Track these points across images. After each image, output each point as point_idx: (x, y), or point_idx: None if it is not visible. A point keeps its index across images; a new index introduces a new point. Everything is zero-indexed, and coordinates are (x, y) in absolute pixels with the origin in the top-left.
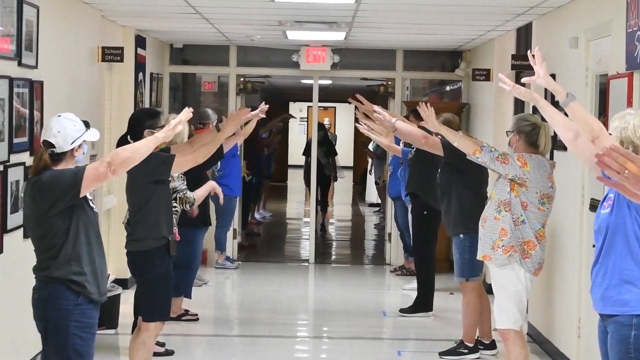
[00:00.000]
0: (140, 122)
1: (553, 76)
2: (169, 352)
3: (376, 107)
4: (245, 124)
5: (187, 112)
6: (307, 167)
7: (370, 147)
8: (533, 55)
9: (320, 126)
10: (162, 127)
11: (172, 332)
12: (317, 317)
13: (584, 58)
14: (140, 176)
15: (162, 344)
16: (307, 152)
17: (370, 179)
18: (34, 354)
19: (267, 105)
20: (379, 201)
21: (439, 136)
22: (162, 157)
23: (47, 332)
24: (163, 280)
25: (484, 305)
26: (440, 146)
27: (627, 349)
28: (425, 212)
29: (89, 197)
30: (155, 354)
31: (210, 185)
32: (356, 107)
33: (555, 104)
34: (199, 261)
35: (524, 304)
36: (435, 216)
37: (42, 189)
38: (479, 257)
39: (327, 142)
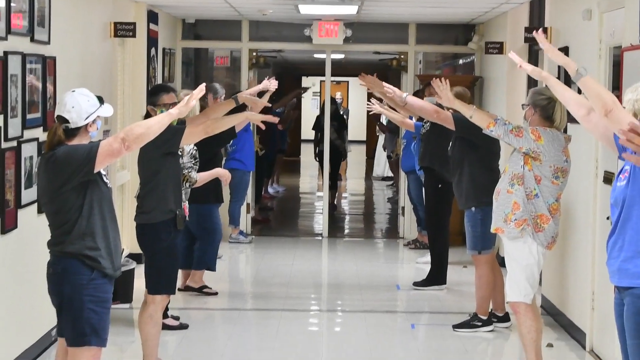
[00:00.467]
0: (147, 98)
1: (566, 49)
2: (183, 326)
3: (385, 85)
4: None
5: (200, 89)
6: (316, 142)
7: (383, 120)
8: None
9: (332, 101)
10: (176, 103)
11: (187, 305)
12: (330, 291)
13: (597, 30)
14: (151, 148)
15: (176, 318)
16: (317, 126)
17: (379, 153)
18: (50, 327)
19: (276, 81)
20: (387, 174)
21: (450, 110)
22: (172, 129)
23: (62, 306)
24: (169, 253)
25: (497, 278)
26: (451, 120)
27: None
28: (439, 186)
29: (103, 172)
30: (170, 327)
31: (216, 172)
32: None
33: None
34: (220, 234)
35: (535, 278)
36: (449, 189)
37: (56, 165)
38: (492, 229)
39: (337, 117)
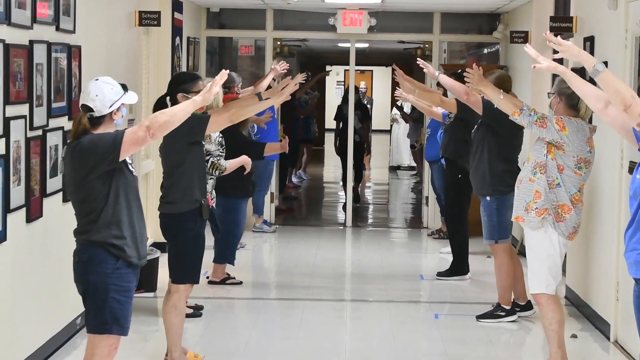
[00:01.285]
0: (175, 85)
1: (591, 38)
2: (197, 314)
3: (420, 60)
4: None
5: (223, 74)
6: (337, 133)
7: (406, 109)
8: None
9: (355, 89)
10: (199, 91)
11: (212, 295)
12: (354, 281)
13: (623, 19)
14: (175, 137)
15: (198, 307)
16: (338, 116)
17: (396, 142)
18: (75, 316)
19: (285, 64)
20: (405, 164)
21: (481, 94)
22: (197, 117)
23: (86, 294)
24: (194, 243)
25: (516, 267)
26: (480, 104)
27: None
28: (459, 176)
29: (129, 160)
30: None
31: (244, 159)
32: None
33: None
34: (242, 229)
35: (557, 268)
36: (469, 181)
37: (81, 153)
38: (512, 218)
39: (360, 106)
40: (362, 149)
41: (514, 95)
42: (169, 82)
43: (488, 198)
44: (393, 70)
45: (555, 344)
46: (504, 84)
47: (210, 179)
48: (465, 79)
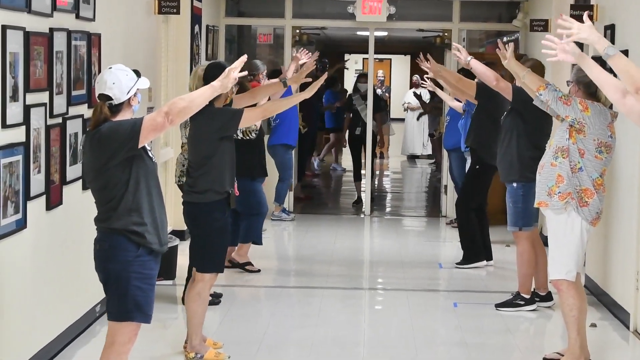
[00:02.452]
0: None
1: (612, 26)
2: (215, 302)
3: (454, 44)
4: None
5: (241, 60)
6: (348, 125)
7: (425, 98)
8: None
9: (362, 77)
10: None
11: (229, 283)
12: (372, 269)
13: None
14: (207, 131)
15: (217, 295)
16: (348, 107)
17: (411, 130)
18: (94, 303)
19: (306, 52)
20: (417, 153)
21: (513, 82)
22: (230, 112)
23: (108, 283)
24: (221, 232)
25: (539, 256)
26: (510, 90)
27: None
28: (477, 167)
29: (148, 147)
30: None
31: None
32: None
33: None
34: (266, 207)
35: (579, 255)
36: (487, 171)
37: (101, 141)
38: (535, 204)
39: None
40: (361, 144)
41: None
42: (207, 75)
43: (515, 184)
44: (425, 57)
45: (574, 330)
46: (537, 73)
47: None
48: (498, 51)
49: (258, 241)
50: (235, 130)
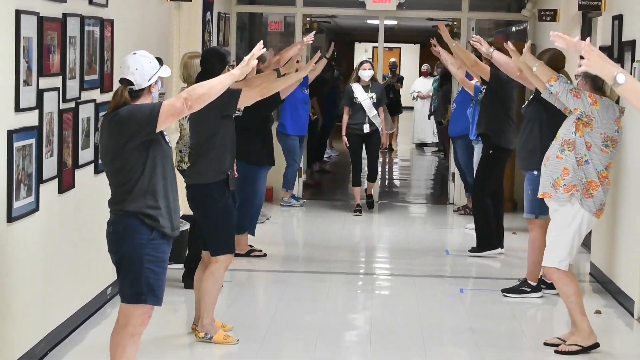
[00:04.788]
0: (214, 65)
1: (620, 17)
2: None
3: (475, 36)
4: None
5: (259, 47)
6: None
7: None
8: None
9: (366, 63)
10: (234, 65)
11: (238, 267)
12: (380, 255)
13: None
14: (208, 110)
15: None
16: (347, 100)
17: (419, 119)
18: (105, 285)
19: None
20: (428, 141)
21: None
22: (229, 92)
23: (121, 265)
24: (224, 213)
25: None
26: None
27: None
28: (490, 152)
29: (165, 132)
30: None
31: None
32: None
33: None
34: (261, 199)
35: (574, 246)
36: (501, 156)
37: (119, 123)
38: (539, 195)
39: (376, 87)
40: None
41: (566, 73)
42: (209, 57)
43: (535, 172)
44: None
45: (577, 313)
46: (557, 63)
47: None
48: (506, 45)
49: (251, 231)
50: (234, 109)
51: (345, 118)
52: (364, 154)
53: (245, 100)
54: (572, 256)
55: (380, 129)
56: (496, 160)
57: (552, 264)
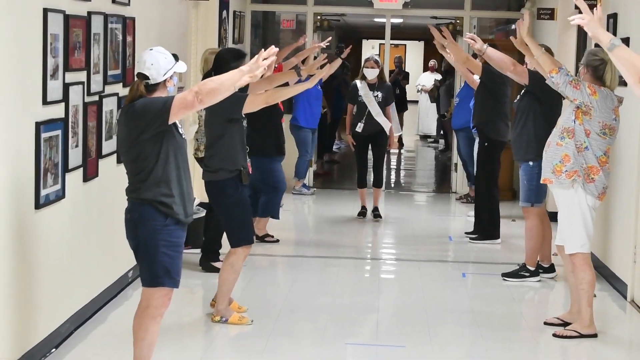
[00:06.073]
0: (227, 62)
1: (615, 15)
2: None
3: (469, 34)
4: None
5: (270, 50)
6: (351, 120)
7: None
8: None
9: (371, 61)
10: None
11: (252, 252)
12: (387, 241)
13: None
14: (215, 114)
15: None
16: (352, 98)
17: (423, 112)
18: (127, 269)
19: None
20: (432, 133)
21: (526, 66)
22: (234, 96)
23: (138, 249)
24: (239, 206)
25: (546, 230)
26: (526, 74)
27: None
28: (486, 144)
29: (179, 124)
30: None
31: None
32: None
33: None
34: (284, 184)
35: (589, 228)
36: (496, 147)
37: (135, 115)
38: (541, 180)
39: (382, 86)
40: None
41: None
42: (218, 60)
43: (531, 163)
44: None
45: (585, 302)
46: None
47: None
48: (517, 25)
49: (275, 215)
50: (239, 113)
51: (349, 117)
52: (370, 155)
53: (251, 106)
54: (591, 238)
55: (387, 129)
56: (492, 151)
57: (575, 250)
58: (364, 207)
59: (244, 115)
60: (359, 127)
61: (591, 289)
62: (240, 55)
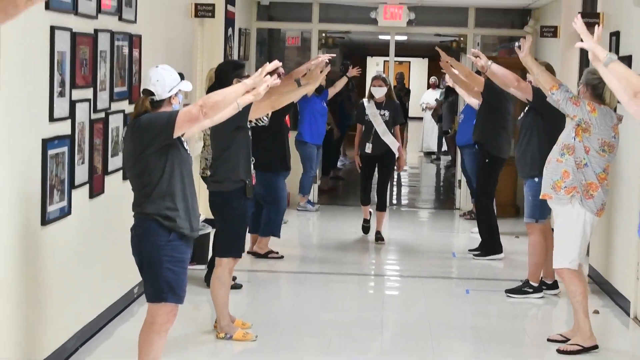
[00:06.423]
0: (227, 74)
1: (617, 33)
2: (237, 286)
3: (474, 50)
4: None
5: (274, 63)
6: (360, 142)
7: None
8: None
9: (378, 80)
10: (248, 76)
11: (256, 268)
12: (390, 257)
13: None
14: (222, 123)
15: (235, 283)
16: (360, 117)
17: (428, 129)
18: (132, 285)
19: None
20: (435, 149)
21: (529, 82)
22: None
23: (143, 266)
24: (239, 220)
25: (549, 247)
26: (530, 90)
27: None
28: (486, 160)
29: (183, 139)
30: None
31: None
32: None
33: None
34: (284, 203)
35: (581, 245)
36: (496, 163)
37: (140, 130)
38: (540, 196)
39: (390, 105)
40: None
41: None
42: (218, 73)
43: (536, 179)
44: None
45: (582, 313)
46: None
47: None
48: (519, 43)
49: (277, 234)
50: (246, 120)
51: (358, 137)
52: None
53: (257, 112)
54: (582, 255)
55: (395, 149)
56: (493, 167)
57: (563, 265)
58: (366, 221)
59: (249, 126)
60: (368, 148)
61: (585, 300)
62: (238, 65)
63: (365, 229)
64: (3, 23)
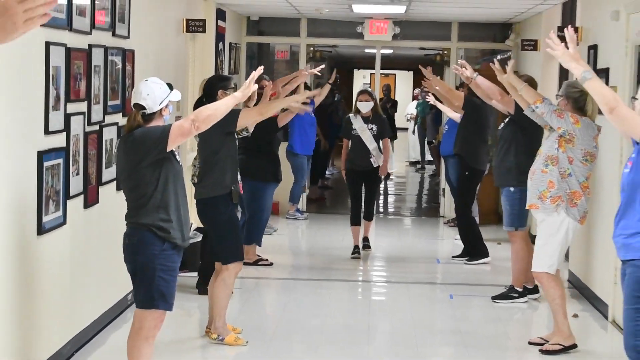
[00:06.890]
0: (213, 86)
1: (595, 47)
2: None
3: (460, 61)
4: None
5: (258, 70)
6: (346, 158)
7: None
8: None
9: (365, 94)
10: (234, 89)
11: (247, 275)
12: (377, 264)
13: (624, 30)
14: (212, 128)
15: None
16: (347, 132)
17: (414, 139)
18: (125, 292)
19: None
20: (419, 159)
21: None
22: (230, 110)
23: (135, 273)
24: (230, 224)
25: (530, 253)
26: (513, 104)
27: (638, 287)
28: (466, 173)
29: (176, 152)
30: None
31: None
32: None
33: None
34: (268, 213)
35: (561, 251)
36: (475, 175)
37: (134, 144)
38: (527, 206)
39: (377, 119)
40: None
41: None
42: (206, 85)
43: (512, 189)
44: (420, 71)
45: (560, 314)
46: (533, 85)
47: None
48: (492, 65)
49: (259, 242)
50: (235, 126)
51: (345, 152)
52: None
53: (246, 119)
54: (560, 260)
55: (380, 163)
56: (472, 178)
57: (542, 269)
58: (356, 247)
59: (241, 134)
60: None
61: (563, 302)
62: (224, 78)
63: (356, 253)
64: (3, 43)
